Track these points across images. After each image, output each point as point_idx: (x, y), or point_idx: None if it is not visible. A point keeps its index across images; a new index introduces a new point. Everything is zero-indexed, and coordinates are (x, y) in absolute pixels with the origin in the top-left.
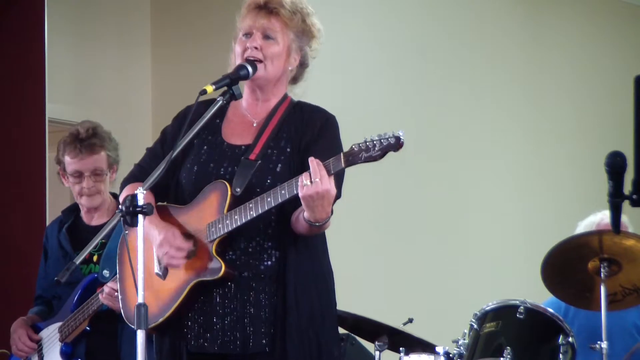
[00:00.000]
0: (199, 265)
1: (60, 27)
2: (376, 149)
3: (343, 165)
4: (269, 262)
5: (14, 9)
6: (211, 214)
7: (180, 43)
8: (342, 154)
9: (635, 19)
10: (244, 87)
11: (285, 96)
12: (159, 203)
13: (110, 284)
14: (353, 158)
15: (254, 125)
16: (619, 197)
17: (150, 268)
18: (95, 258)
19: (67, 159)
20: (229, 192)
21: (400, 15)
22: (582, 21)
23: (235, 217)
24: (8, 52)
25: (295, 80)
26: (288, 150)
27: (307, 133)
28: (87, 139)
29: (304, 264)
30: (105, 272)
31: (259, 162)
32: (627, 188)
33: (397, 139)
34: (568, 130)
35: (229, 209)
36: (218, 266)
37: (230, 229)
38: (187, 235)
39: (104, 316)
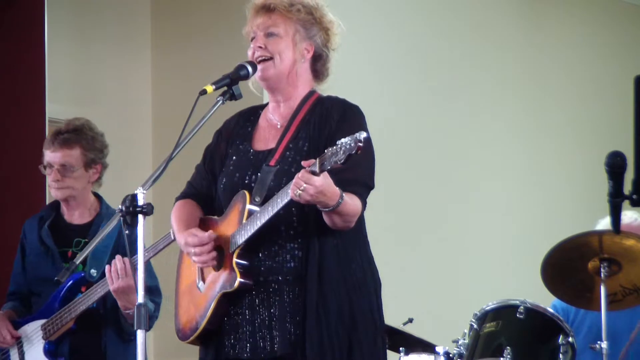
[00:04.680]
0: (224, 276)
1: (60, 27)
2: (340, 153)
3: (317, 170)
4: (292, 264)
5: (14, 9)
6: (234, 224)
7: (180, 43)
8: (318, 158)
9: (636, 19)
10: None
11: (312, 93)
12: (203, 216)
13: (125, 261)
14: (325, 163)
15: (278, 127)
16: (619, 197)
17: (194, 281)
18: None
19: (45, 151)
20: (247, 202)
21: (400, 21)
22: (582, 22)
23: (248, 227)
24: (8, 52)
25: (317, 74)
26: (305, 149)
27: (325, 127)
28: (65, 133)
29: (330, 265)
30: (93, 272)
31: (277, 167)
32: (627, 188)
33: (356, 141)
34: (569, 131)
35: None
36: (234, 277)
37: (244, 239)
38: (218, 248)
39: (89, 315)
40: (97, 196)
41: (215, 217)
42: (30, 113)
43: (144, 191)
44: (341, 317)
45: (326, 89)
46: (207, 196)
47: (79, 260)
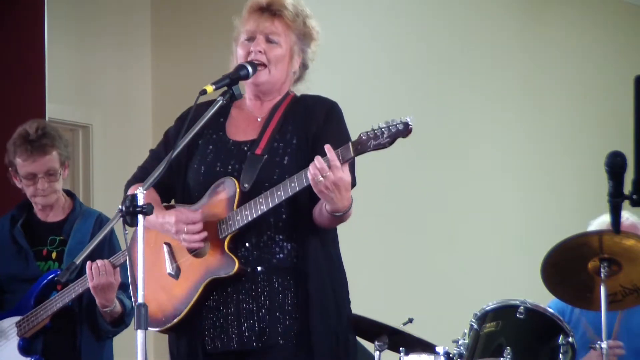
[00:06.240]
0: (212, 262)
1: (61, 26)
2: (385, 136)
3: (352, 154)
4: (281, 255)
5: (14, 9)
6: (221, 211)
7: (180, 43)
8: (350, 143)
9: (636, 19)
10: (247, 90)
11: (288, 93)
12: (165, 204)
13: (105, 261)
14: (362, 147)
15: (258, 120)
16: (619, 197)
17: (163, 269)
18: (54, 255)
19: (18, 161)
20: (238, 188)
21: (400, 14)
22: (583, 21)
23: (246, 212)
24: (8, 52)
25: (296, 80)
26: (294, 142)
27: (312, 123)
28: (38, 140)
29: (319, 255)
30: None
31: (266, 156)
32: (627, 188)
33: (406, 124)
34: (569, 130)
35: (239, 205)
36: (231, 263)
37: (241, 224)
38: None
39: (64, 314)
40: (70, 193)
41: (184, 205)
42: (30, 113)
43: (144, 191)
44: (329, 304)
45: (326, 83)
46: (164, 183)
47: (79, 260)
